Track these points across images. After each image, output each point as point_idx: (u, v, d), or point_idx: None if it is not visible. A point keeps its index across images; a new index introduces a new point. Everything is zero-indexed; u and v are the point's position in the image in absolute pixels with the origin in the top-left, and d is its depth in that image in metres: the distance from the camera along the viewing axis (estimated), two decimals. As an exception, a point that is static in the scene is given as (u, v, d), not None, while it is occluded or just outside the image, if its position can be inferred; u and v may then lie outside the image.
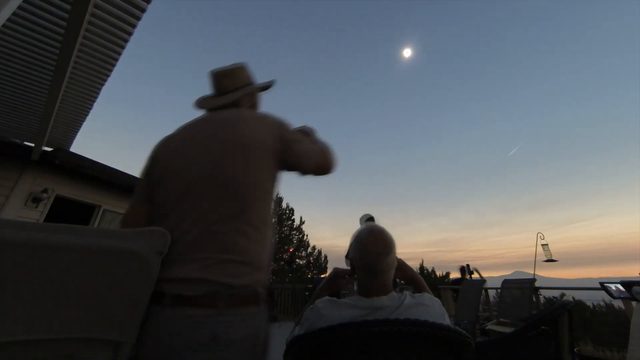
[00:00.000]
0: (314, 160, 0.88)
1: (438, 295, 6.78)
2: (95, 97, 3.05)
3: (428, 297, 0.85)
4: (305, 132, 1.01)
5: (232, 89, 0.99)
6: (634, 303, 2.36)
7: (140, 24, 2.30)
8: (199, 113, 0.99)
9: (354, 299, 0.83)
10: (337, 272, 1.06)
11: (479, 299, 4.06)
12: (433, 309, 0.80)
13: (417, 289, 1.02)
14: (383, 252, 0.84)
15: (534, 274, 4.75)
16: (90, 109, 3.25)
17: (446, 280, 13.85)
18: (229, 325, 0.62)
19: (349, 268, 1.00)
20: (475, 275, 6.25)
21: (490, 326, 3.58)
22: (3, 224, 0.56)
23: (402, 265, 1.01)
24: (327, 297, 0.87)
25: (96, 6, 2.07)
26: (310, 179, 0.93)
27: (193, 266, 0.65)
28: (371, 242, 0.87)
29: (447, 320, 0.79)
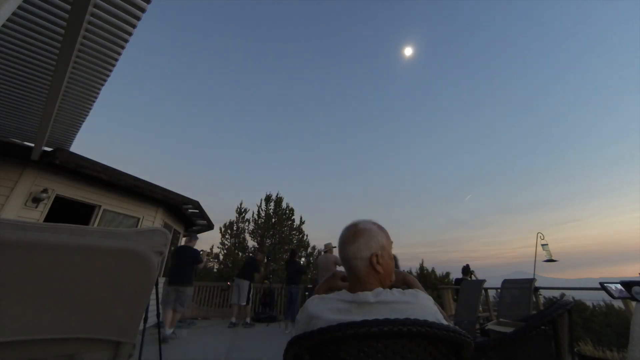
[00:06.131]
0: None
1: (438, 295, 6.76)
2: (95, 97, 3.05)
3: (413, 293, 0.80)
4: None
5: None
6: (634, 303, 2.36)
7: (140, 24, 2.30)
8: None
9: (341, 293, 0.83)
10: (335, 273, 1.10)
11: (479, 299, 4.06)
12: (419, 306, 0.76)
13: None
14: (346, 241, 0.89)
15: (534, 274, 4.75)
16: (90, 109, 3.24)
17: (446, 280, 13.82)
18: None
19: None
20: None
21: (490, 326, 3.58)
22: (3, 224, 0.56)
23: (393, 272, 0.96)
24: (316, 295, 0.88)
25: (96, 6, 2.07)
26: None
27: None
28: (340, 235, 0.93)
29: (440, 319, 0.75)
